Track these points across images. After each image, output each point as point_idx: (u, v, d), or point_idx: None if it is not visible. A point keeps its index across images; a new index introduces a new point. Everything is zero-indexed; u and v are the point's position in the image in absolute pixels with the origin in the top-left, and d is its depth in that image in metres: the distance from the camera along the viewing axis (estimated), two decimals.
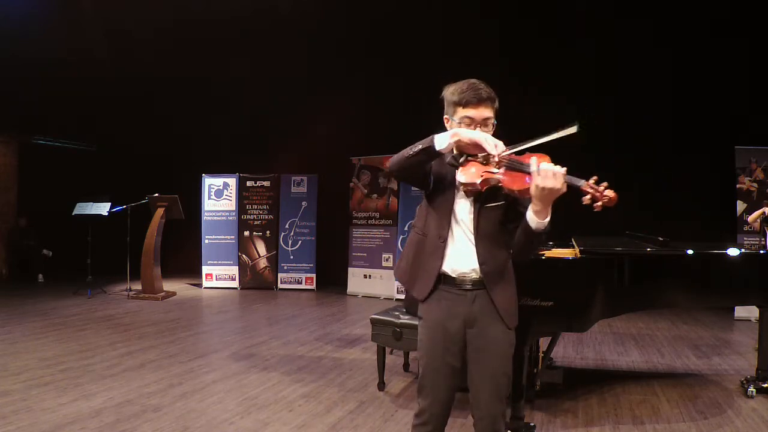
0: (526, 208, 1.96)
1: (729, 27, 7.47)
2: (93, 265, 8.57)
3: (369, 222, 9.13)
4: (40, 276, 9.93)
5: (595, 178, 1.87)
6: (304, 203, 9.66)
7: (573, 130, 1.93)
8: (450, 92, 2.13)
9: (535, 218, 1.92)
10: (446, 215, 2.13)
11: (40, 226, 10.42)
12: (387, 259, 8.88)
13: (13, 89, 9.51)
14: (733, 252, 3.96)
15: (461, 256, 2.11)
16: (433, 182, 2.15)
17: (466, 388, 2.17)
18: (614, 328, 6.61)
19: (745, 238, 7.28)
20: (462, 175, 2.06)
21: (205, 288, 9.56)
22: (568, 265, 3.42)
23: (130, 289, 8.48)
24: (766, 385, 4.10)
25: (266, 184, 9.77)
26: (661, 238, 4.29)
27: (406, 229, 8.36)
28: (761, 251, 4.67)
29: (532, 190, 1.87)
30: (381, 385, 4.27)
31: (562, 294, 3.24)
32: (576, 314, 3.34)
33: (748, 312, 6.90)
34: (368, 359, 5.10)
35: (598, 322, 3.65)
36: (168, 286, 9.08)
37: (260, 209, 9.74)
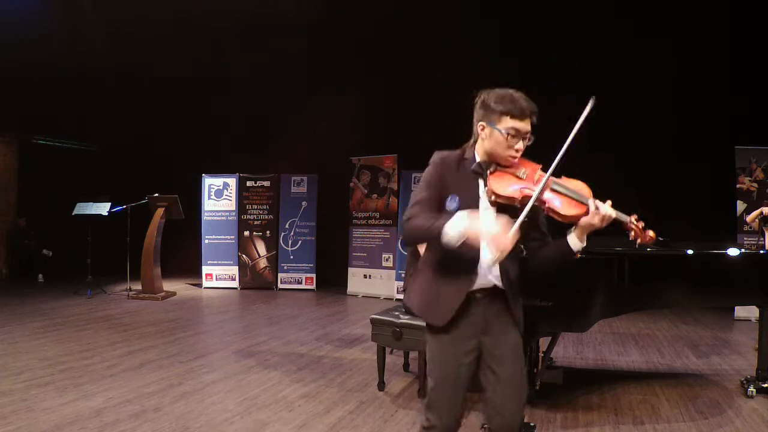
0: (545, 227, 2.12)
1: (729, 26, 7.47)
2: (93, 265, 8.57)
3: (369, 222, 9.13)
4: (40, 276, 9.93)
5: (635, 216, 2.02)
6: (304, 203, 9.66)
7: (591, 105, 1.98)
8: (495, 99, 2.03)
9: (578, 243, 2.02)
10: None
11: (40, 226, 10.42)
12: (387, 259, 8.89)
13: (13, 89, 9.51)
14: (733, 252, 3.96)
15: (483, 269, 2.06)
16: (449, 193, 2.07)
17: (471, 387, 2.15)
18: (614, 328, 6.61)
19: (745, 238, 7.28)
20: (498, 186, 2.01)
21: (205, 288, 9.56)
22: (568, 265, 3.42)
23: (130, 289, 8.48)
24: (766, 385, 4.10)
25: (266, 184, 9.77)
26: (661, 238, 4.28)
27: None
28: (761, 251, 4.67)
29: (583, 222, 1.97)
30: (381, 385, 4.27)
31: (562, 294, 3.24)
32: (576, 314, 3.34)
33: (748, 312, 6.90)
34: (368, 359, 5.10)
35: (598, 322, 3.65)
36: (168, 286, 9.08)
37: (260, 209, 9.74)
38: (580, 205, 1.99)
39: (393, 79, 9.00)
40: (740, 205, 7.39)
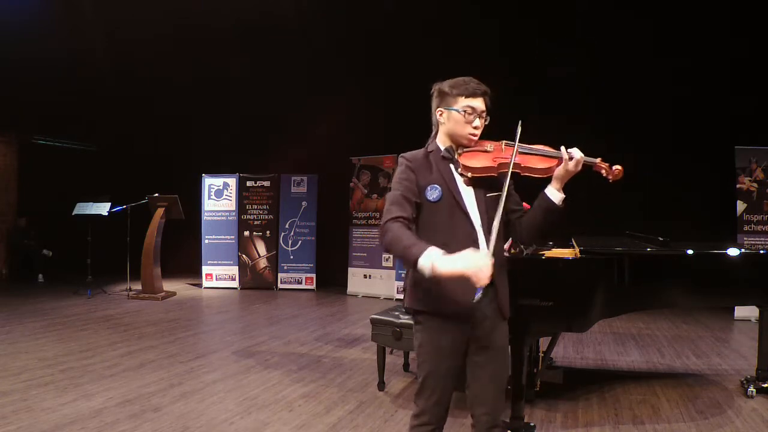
0: (518, 198, 2.25)
1: (729, 26, 7.47)
2: (93, 265, 8.57)
3: (369, 222, 9.13)
4: (40, 276, 9.93)
5: (600, 158, 2.15)
6: (304, 203, 9.66)
7: (519, 130, 2.12)
8: (448, 85, 2.16)
9: (557, 194, 2.11)
10: (461, 215, 2.09)
11: (40, 226, 10.43)
12: (387, 259, 8.88)
13: (13, 89, 9.51)
14: (733, 252, 3.96)
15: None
16: (428, 185, 2.09)
17: (460, 386, 2.17)
18: (614, 328, 6.61)
19: (745, 238, 7.28)
20: (470, 162, 2.11)
21: (205, 288, 9.56)
22: (568, 265, 3.42)
23: (130, 289, 8.48)
24: (766, 385, 4.10)
25: (266, 184, 9.77)
26: (661, 238, 4.29)
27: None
28: (761, 251, 4.67)
29: (558, 171, 2.09)
30: (381, 385, 4.27)
31: (562, 294, 3.24)
32: (576, 314, 3.34)
33: (748, 312, 6.90)
34: (368, 359, 5.10)
35: (598, 322, 3.65)
36: (168, 286, 9.08)
37: (260, 209, 9.75)
38: (552, 159, 2.13)
39: (393, 79, 8.99)
40: (740, 205, 7.38)
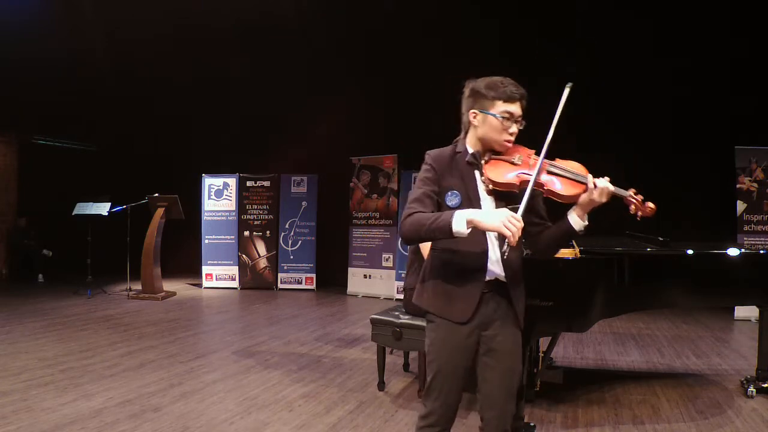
0: (544, 212, 2.14)
1: (729, 26, 7.47)
2: (93, 265, 8.57)
3: (369, 222, 9.13)
4: (40, 276, 9.92)
5: (633, 190, 2.01)
6: (304, 203, 9.66)
7: (568, 89, 2.03)
8: (485, 85, 2.05)
9: (579, 221, 2.02)
10: None
11: (40, 226, 10.43)
12: (387, 259, 8.89)
13: (13, 89, 9.51)
14: (733, 252, 3.96)
15: (492, 262, 2.08)
16: (448, 190, 2.07)
17: (468, 388, 2.17)
18: (614, 328, 6.61)
19: (745, 238, 7.28)
20: (495, 173, 2.03)
21: (205, 288, 9.56)
22: (568, 265, 3.42)
23: (130, 289, 8.48)
24: (766, 385, 4.10)
25: (266, 184, 9.77)
26: (661, 238, 4.29)
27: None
28: (761, 251, 4.67)
29: (583, 199, 1.99)
30: (381, 385, 4.27)
31: (562, 294, 3.24)
32: (576, 314, 3.34)
33: (748, 312, 6.90)
34: (368, 359, 5.10)
35: (598, 322, 3.65)
36: (168, 286, 9.08)
37: (260, 209, 9.74)
38: (579, 185, 2.00)
39: (393, 79, 9.00)
40: (740, 205, 7.39)
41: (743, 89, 7.51)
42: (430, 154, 2.13)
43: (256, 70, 9.80)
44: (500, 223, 1.85)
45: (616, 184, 2.01)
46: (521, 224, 1.86)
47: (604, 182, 1.97)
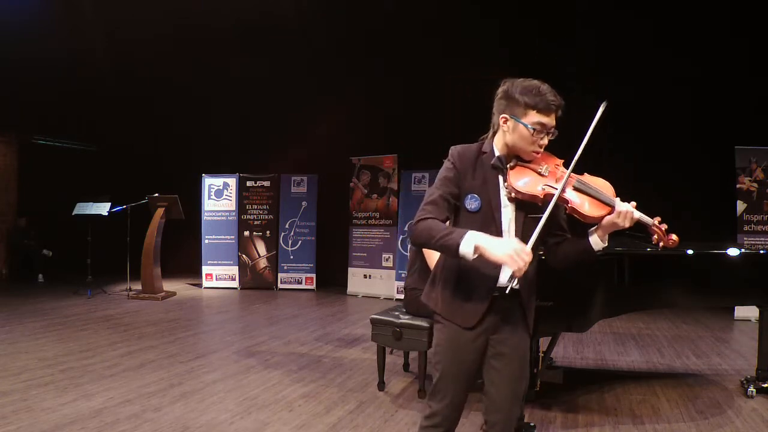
0: (565, 223, 2.11)
1: (729, 26, 7.47)
2: (93, 265, 8.57)
3: (369, 222, 9.13)
4: (40, 276, 9.92)
5: (658, 219, 1.98)
6: (304, 203, 9.66)
7: (603, 107, 1.93)
8: (520, 90, 1.95)
9: (599, 243, 1.99)
10: (494, 231, 1.97)
11: (40, 226, 10.42)
12: (387, 259, 8.88)
13: (13, 89, 9.50)
14: (733, 252, 3.96)
15: (505, 268, 2.01)
16: (468, 193, 2.01)
17: (472, 388, 2.16)
18: (614, 328, 6.61)
19: (745, 238, 7.28)
20: (519, 182, 1.96)
21: (205, 288, 9.56)
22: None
23: (130, 289, 8.48)
24: (766, 385, 4.10)
25: (266, 184, 9.77)
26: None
27: (406, 229, 8.36)
28: (761, 251, 4.67)
29: (606, 222, 1.94)
30: (381, 385, 4.27)
31: (562, 294, 3.24)
32: (576, 314, 3.34)
33: (748, 312, 6.90)
34: (368, 359, 5.10)
35: (598, 322, 3.65)
36: (168, 286, 9.08)
37: (260, 209, 9.74)
38: (604, 206, 1.94)
39: (393, 79, 9.00)
40: (740, 205, 7.39)
41: (743, 89, 7.51)
42: (456, 149, 2.06)
43: (256, 70, 9.80)
44: (508, 257, 1.81)
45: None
46: (530, 258, 1.82)
47: (628, 206, 1.92)
